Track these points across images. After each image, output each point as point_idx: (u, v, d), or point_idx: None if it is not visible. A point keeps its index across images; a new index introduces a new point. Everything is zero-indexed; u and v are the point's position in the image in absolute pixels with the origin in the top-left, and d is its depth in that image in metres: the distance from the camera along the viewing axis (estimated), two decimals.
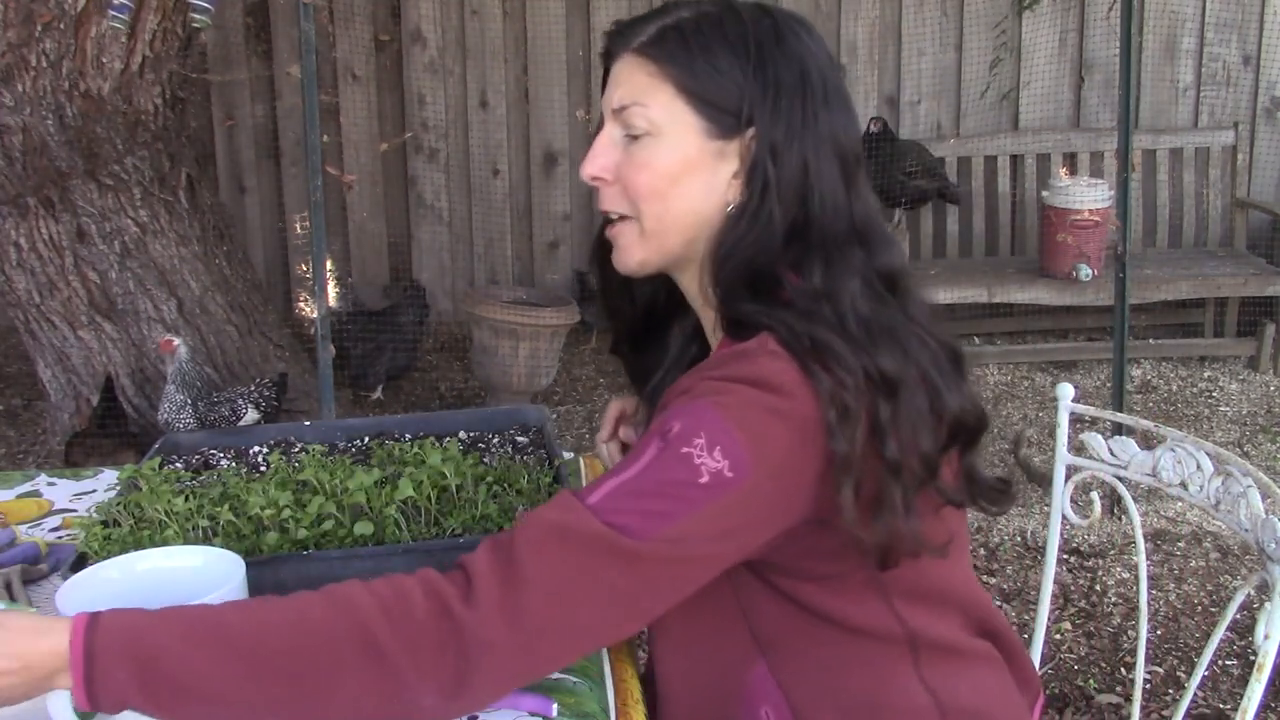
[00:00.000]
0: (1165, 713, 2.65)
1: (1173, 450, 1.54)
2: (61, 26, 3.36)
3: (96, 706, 0.96)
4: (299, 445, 1.70)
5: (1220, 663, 2.83)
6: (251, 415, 3.04)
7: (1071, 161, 5.23)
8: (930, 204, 5.15)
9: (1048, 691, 2.72)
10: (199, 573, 1.21)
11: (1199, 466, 1.50)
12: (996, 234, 5.30)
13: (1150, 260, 4.96)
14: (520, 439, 1.70)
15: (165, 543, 1.32)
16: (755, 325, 1.09)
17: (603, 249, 1.27)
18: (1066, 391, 1.75)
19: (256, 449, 1.70)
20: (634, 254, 1.20)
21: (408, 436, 1.71)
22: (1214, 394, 4.67)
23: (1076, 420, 1.75)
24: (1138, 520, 1.66)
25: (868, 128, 4.78)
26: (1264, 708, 2.59)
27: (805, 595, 1.15)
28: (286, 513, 1.35)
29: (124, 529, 1.36)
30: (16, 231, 3.53)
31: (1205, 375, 4.85)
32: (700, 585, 1.07)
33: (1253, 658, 1.30)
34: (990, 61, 5.25)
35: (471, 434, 1.73)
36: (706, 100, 1.13)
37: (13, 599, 1.38)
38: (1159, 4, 5.23)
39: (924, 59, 5.32)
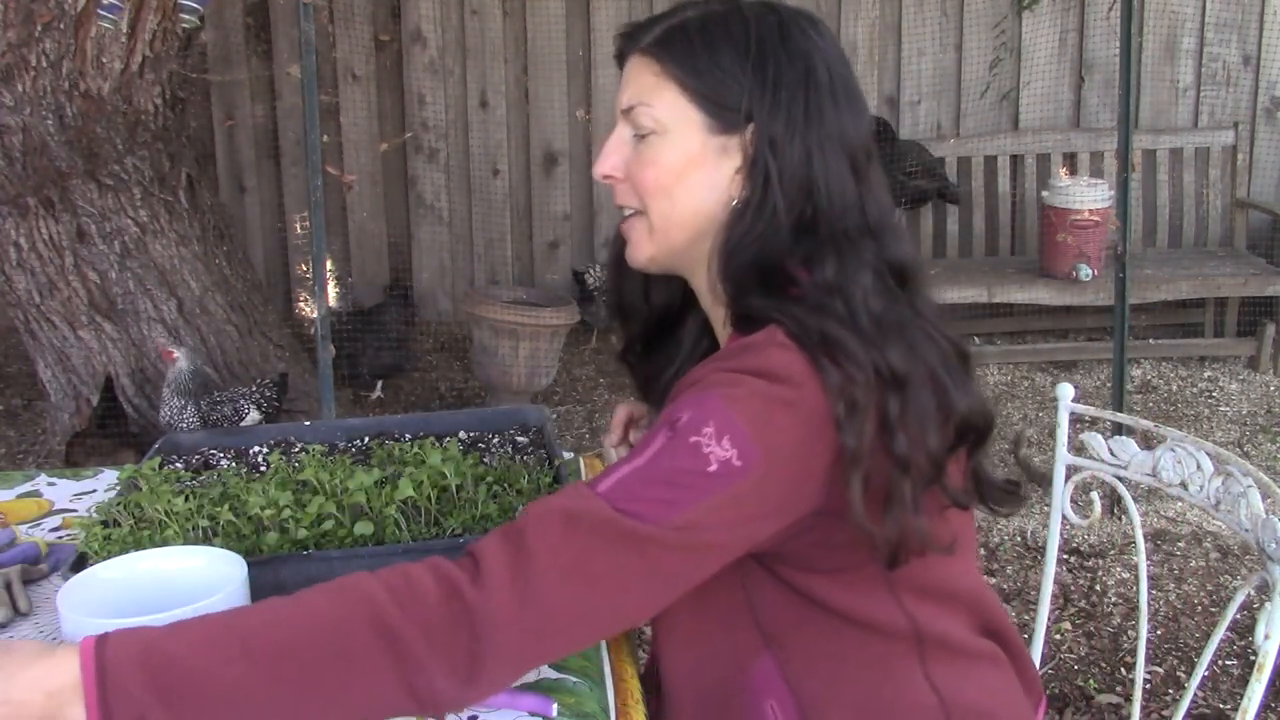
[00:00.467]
0: (1165, 713, 2.65)
1: (1173, 450, 1.54)
2: (61, 26, 3.36)
3: None
4: (299, 445, 1.70)
5: (1220, 663, 2.83)
6: (254, 415, 3.04)
7: (1071, 161, 5.23)
8: (930, 204, 5.15)
9: (1048, 691, 2.72)
10: (199, 573, 1.21)
11: (1199, 466, 1.50)
12: (996, 234, 5.30)
13: (1150, 260, 4.96)
14: (520, 439, 1.70)
15: (165, 543, 1.32)
16: (764, 319, 1.10)
17: (620, 250, 1.29)
18: (1066, 391, 1.75)
19: (256, 449, 1.70)
20: (643, 249, 1.23)
21: (408, 436, 1.71)
22: (1214, 394, 4.67)
23: (1076, 420, 1.75)
24: (1138, 520, 1.66)
25: None
26: (1264, 708, 2.59)
27: (813, 588, 1.16)
28: (286, 513, 1.35)
29: (124, 529, 1.36)
30: (16, 231, 3.53)
31: (1205, 375, 4.85)
32: (709, 574, 1.07)
33: (1253, 658, 1.30)
34: (990, 61, 5.25)
35: (471, 434, 1.73)
36: (708, 97, 1.15)
37: (13, 599, 1.38)
38: (1159, 4, 5.23)
39: (924, 59, 5.32)
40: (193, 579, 1.20)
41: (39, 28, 3.34)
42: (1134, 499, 1.69)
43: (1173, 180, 5.22)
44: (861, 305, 1.10)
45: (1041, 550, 2.61)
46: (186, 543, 1.32)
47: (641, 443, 1.08)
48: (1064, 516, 1.74)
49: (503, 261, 5.48)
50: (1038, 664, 1.67)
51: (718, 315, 1.23)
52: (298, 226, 5.28)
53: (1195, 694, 1.85)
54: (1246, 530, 1.39)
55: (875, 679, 1.17)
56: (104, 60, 3.44)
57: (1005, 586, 3.22)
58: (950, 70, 5.33)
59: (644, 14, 5.25)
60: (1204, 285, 4.75)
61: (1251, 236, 5.20)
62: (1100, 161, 5.16)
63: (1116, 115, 3.86)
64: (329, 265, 3.31)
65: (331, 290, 3.91)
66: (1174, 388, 4.75)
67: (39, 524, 1.62)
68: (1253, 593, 1.38)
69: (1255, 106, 5.32)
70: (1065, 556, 3.34)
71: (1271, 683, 1.27)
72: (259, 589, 1.23)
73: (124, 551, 1.28)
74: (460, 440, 1.69)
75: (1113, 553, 3.39)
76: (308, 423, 1.80)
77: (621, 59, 1.23)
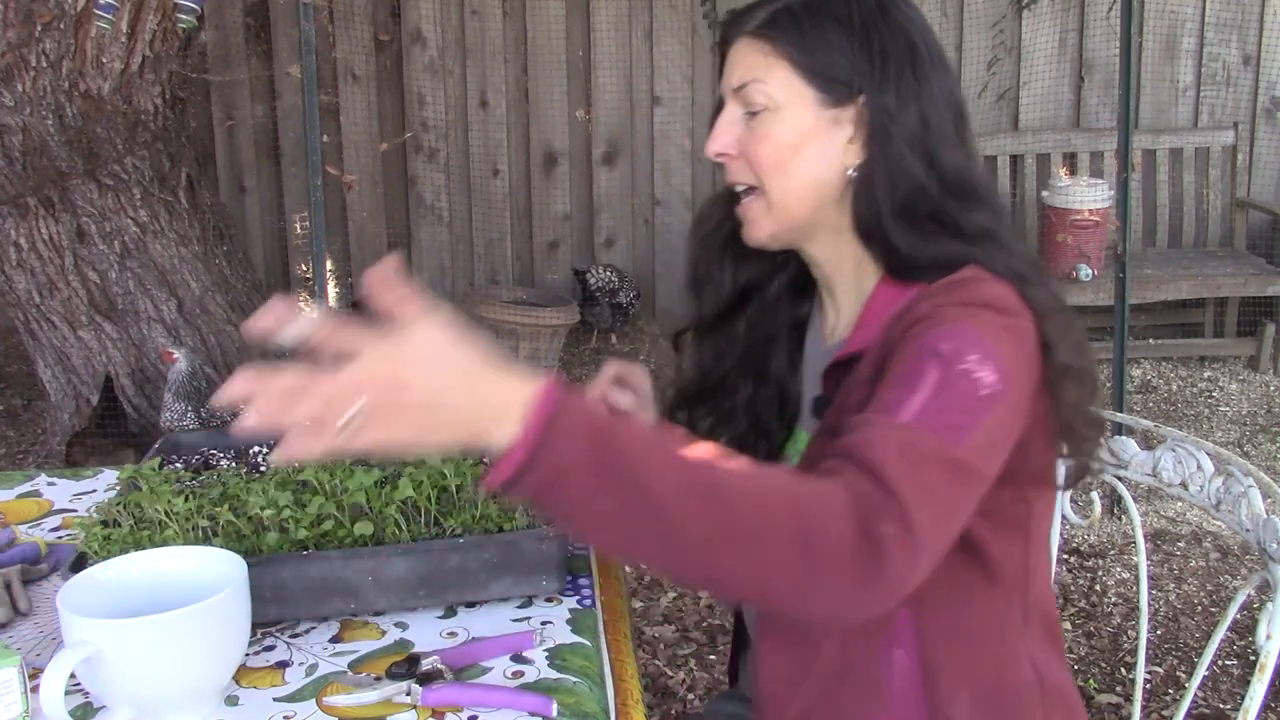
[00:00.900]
0: (1165, 713, 2.65)
1: (1173, 450, 1.54)
2: (61, 26, 3.36)
3: (528, 469, 0.88)
4: None
5: (1220, 663, 2.83)
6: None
7: (1071, 161, 5.23)
8: None
9: None
10: (199, 573, 1.21)
11: (1199, 466, 1.50)
12: None
13: (1150, 260, 4.96)
14: None
15: (165, 543, 1.32)
16: (947, 264, 1.17)
17: (708, 226, 1.35)
18: None
19: (256, 449, 1.70)
20: (764, 226, 1.27)
21: None
22: (1214, 394, 4.67)
23: None
24: (1138, 520, 1.66)
25: None
26: (1265, 708, 2.59)
27: (970, 523, 1.12)
28: (286, 513, 1.35)
29: (124, 529, 1.36)
30: (16, 231, 3.53)
31: (1205, 375, 4.85)
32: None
33: (1253, 658, 1.30)
34: (990, 61, 5.25)
35: None
36: (818, 73, 1.21)
37: (13, 599, 1.38)
38: (1159, 4, 5.22)
39: None
40: (192, 579, 1.20)
41: (39, 28, 3.34)
42: (1134, 499, 1.69)
43: (1173, 180, 5.22)
44: (1010, 245, 1.20)
45: None
46: (186, 543, 1.32)
47: (903, 375, 1.07)
48: (1064, 516, 1.74)
49: (503, 261, 5.48)
50: None
51: (844, 279, 1.28)
52: (298, 226, 5.28)
53: (1195, 694, 1.85)
54: (1247, 530, 1.39)
55: (994, 653, 1.22)
56: (104, 60, 3.44)
57: None
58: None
59: (644, 14, 5.28)
60: (1204, 285, 4.75)
61: (1251, 236, 5.20)
62: (1100, 161, 5.16)
63: (1116, 115, 3.85)
64: (329, 265, 3.31)
65: (331, 290, 3.91)
66: (1174, 388, 4.75)
67: (39, 524, 1.62)
68: (1253, 593, 1.38)
69: (1255, 106, 5.32)
70: (1065, 556, 3.34)
71: (1272, 683, 1.27)
72: (259, 589, 1.23)
73: (124, 551, 1.28)
74: None
75: (1113, 553, 3.39)
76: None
77: (726, 44, 1.28)
